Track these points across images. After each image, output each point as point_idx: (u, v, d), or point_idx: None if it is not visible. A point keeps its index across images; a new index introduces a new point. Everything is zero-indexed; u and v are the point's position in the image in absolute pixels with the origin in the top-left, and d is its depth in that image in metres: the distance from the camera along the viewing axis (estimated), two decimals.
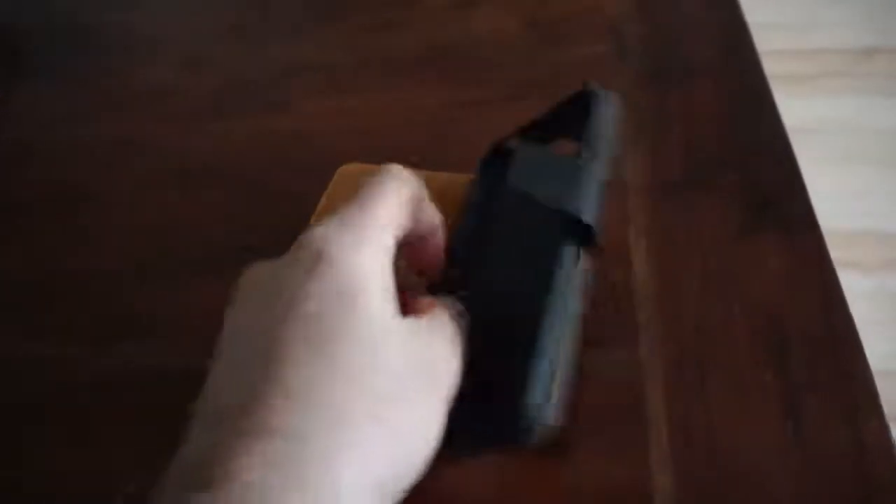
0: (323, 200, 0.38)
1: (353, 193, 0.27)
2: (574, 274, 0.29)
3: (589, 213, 0.30)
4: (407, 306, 0.26)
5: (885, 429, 0.30)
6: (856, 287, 0.96)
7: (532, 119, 0.35)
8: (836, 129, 1.15)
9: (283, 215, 0.36)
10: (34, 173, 0.49)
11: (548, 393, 0.26)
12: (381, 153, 0.35)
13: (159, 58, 0.56)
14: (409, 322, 0.25)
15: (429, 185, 0.30)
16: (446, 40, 0.52)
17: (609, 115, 0.34)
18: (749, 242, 0.37)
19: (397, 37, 0.53)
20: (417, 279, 0.31)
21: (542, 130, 0.35)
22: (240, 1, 0.61)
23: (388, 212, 0.26)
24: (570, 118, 0.34)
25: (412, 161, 0.30)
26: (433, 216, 0.29)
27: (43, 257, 0.44)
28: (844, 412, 0.31)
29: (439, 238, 0.30)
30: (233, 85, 0.52)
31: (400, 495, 0.23)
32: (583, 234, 0.30)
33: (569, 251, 0.30)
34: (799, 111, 1.16)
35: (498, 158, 0.35)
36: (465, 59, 0.50)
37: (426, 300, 0.27)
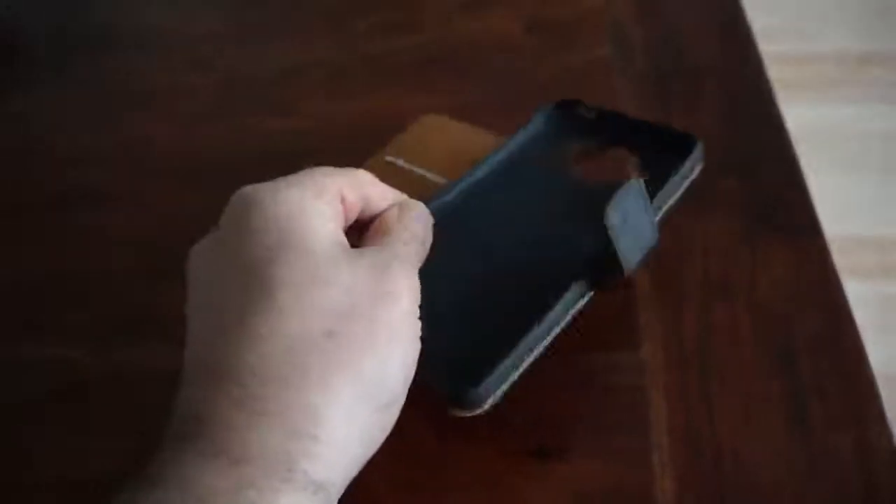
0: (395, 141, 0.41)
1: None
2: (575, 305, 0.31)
3: (631, 263, 0.31)
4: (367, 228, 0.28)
5: (888, 433, 0.30)
6: (855, 293, 0.96)
7: (625, 117, 0.36)
8: (834, 135, 1.16)
9: None
10: (36, 174, 0.49)
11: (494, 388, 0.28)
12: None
13: (162, 58, 0.56)
14: (361, 249, 0.26)
15: (456, 137, 0.34)
16: (450, 43, 0.52)
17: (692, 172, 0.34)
18: (753, 247, 0.37)
19: (400, 39, 0.53)
20: None
21: (617, 132, 0.36)
22: (242, 2, 0.61)
23: (325, 172, 0.28)
24: (652, 145, 0.35)
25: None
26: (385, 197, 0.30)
27: (45, 258, 0.43)
28: (848, 417, 0.31)
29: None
30: (236, 85, 0.52)
31: (390, 407, 0.24)
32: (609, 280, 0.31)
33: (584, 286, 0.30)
34: (797, 117, 1.16)
35: (557, 114, 0.37)
36: (468, 61, 0.50)
37: (388, 214, 0.29)
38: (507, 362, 0.28)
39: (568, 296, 0.30)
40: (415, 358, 0.25)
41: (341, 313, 0.24)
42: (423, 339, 0.26)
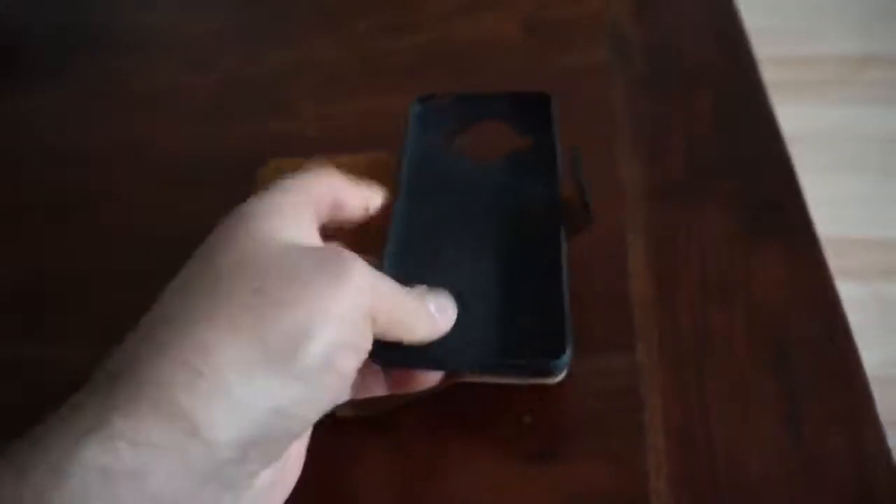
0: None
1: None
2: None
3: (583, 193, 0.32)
4: None
5: (881, 435, 0.30)
6: (852, 294, 0.96)
7: (478, 92, 0.39)
8: (833, 137, 1.16)
9: None
10: (35, 174, 0.49)
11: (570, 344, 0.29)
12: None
13: (162, 59, 0.56)
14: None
15: (352, 169, 0.32)
16: (449, 43, 0.52)
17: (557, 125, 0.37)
18: (747, 248, 0.37)
19: (399, 40, 0.53)
20: None
21: (482, 107, 0.38)
22: (242, 2, 0.61)
23: (314, 174, 0.29)
24: (518, 111, 0.38)
25: None
26: (361, 199, 0.31)
27: (45, 260, 0.44)
28: (842, 418, 0.31)
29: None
30: (236, 85, 0.53)
31: (305, 382, 0.23)
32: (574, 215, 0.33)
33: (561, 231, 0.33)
34: (796, 118, 1.16)
35: (429, 112, 0.39)
36: (466, 63, 0.50)
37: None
38: (566, 314, 0.29)
39: (562, 244, 0.32)
40: (350, 358, 0.25)
41: (276, 275, 0.24)
42: (472, 341, 0.28)
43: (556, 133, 0.37)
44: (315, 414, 0.25)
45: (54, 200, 0.47)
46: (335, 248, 0.26)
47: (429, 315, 0.28)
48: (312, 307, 0.23)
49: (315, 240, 0.27)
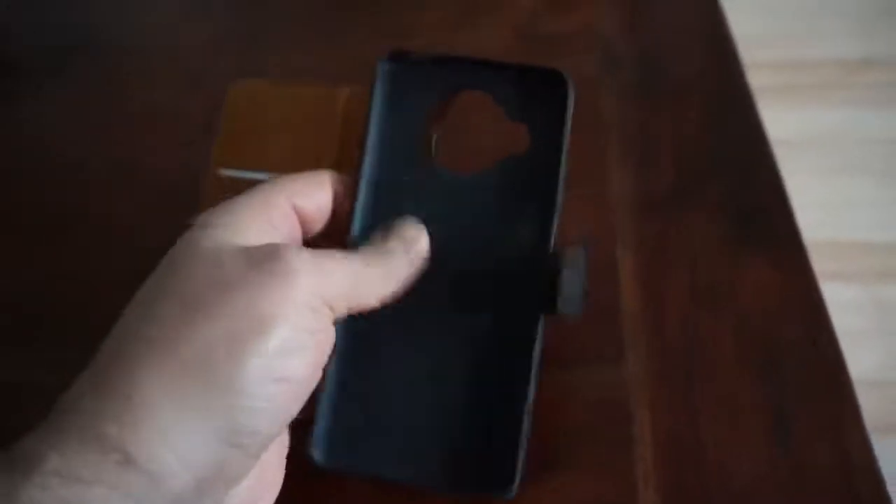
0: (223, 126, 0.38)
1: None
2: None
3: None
4: None
5: (867, 443, 0.30)
6: (847, 298, 0.96)
7: (466, 56, 0.30)
8: (831, 140, 1.16)
9: None
10: (29, 189, 0.50)
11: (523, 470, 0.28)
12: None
13: (158, 73, 0.57)
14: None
15: (297, 102, 0.31)
16: None
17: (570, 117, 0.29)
18: (735, 257, 0.37)
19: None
20: None
21: (469, 76, 0.30)
22: (238, 21, 0.62)
23: (274, 184, 0.27)
24: (515, 90, 0.29)
25: None
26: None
27: (39, 280, 0.44)
28: (829, 426, 0.31)
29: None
30: None
31: (246, 407, 0.22)
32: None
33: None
34: (793, 122, 1.17)
35: (401, 73, 0.30)
36: None
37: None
38: (522, 444, 0.28)
39: (539, 336, 0.28)
40: (305, 361, 0.23)
41: (205, 283, 0.22)
42: (417, 453, 0.27)
43: (567, 133, 0.29)
44: (272, 428, 0.23)
45: (48, 221, 0.47)
46: (273, 243, 0.24)
47: (399, 267, 0.26)
48: (244, 314, 0.22)
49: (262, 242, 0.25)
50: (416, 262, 0.27)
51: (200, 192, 0.36)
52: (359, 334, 0.28)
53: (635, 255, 0.38)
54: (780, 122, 1.13)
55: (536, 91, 0.29)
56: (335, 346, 0.25)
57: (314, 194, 0.27)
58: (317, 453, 0.28)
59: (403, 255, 0.27)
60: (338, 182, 0.28)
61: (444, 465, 0.28)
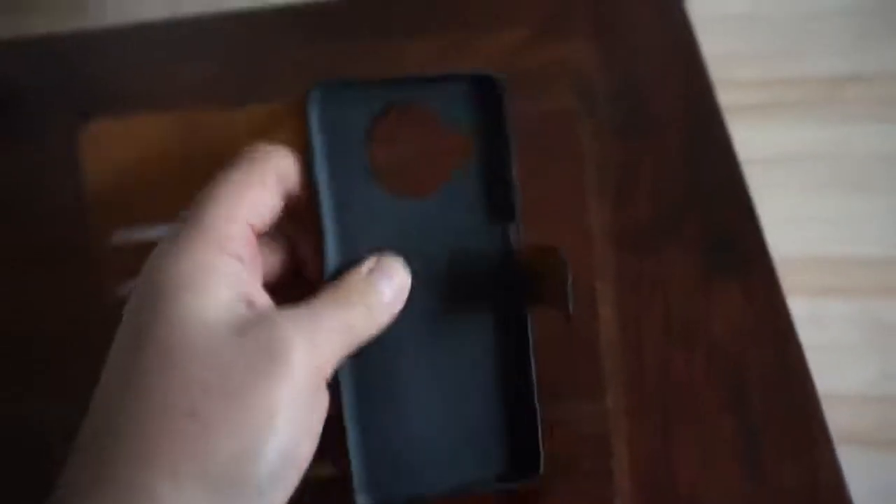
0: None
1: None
2: None
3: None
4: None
5: (836, 465, 0.31)
6: (843, 312, 0.97)
7: (396, 76, 0.30)
8: (817, 156, 1.17)
9: None
10: (19, 230, 0.50)
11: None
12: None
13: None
14: (258, 310, 0.24)
15: (190, 132, 0.29)
16: None
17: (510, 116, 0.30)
18: (709, 289, 0.38)
19: None
20: None
21: (403, 92, 0.30)
22: (224, 59, 0.63)
23: (225, 207, 0.25)
24: (450, 95, 0.30)
25: None
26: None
27: (26, 319, 0.44)
28: (800, 455, 0.32)
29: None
30: None
31: (261, 492, 0.22)
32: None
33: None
34: (778, 139, 1.18)
35: (334, 101, 0.30)
36: None
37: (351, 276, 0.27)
38: (538, 422, 0.30)
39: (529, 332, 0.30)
40: (309, 438, 0.24)
41: (205, 388, 0.22)
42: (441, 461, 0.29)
43: (511, 131, 0.30)
44: (287, 496, 0.24)
45: (38, 257, 0.48)
46: (266, 330, 0.24)
47: (382, 311, 0.27)
48: (254, 423, 0.22)
49: (238, 303, 0.24)
50: (401, 294, 0.28)
51: (92, 266, 0.34)
52: (364, 375, 0.29)
53: (614, 288, 0.39)
54: (763, 139, 1.15)
55: (472, 98, 0.30)
56: (346, 396, 0.28)
57: (261, 200, 0.26)
58: (362, 499, 0.29)
59: (387, 289, 0.27)
60: (281, 165, 0.27)
61: (480, 465, 0.30)
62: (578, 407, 0.35)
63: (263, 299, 0.25)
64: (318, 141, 0.29)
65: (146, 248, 0.26)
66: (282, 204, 0.27)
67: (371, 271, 0.27)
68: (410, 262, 0.29)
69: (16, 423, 0.40)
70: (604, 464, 0.33)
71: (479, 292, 0.30)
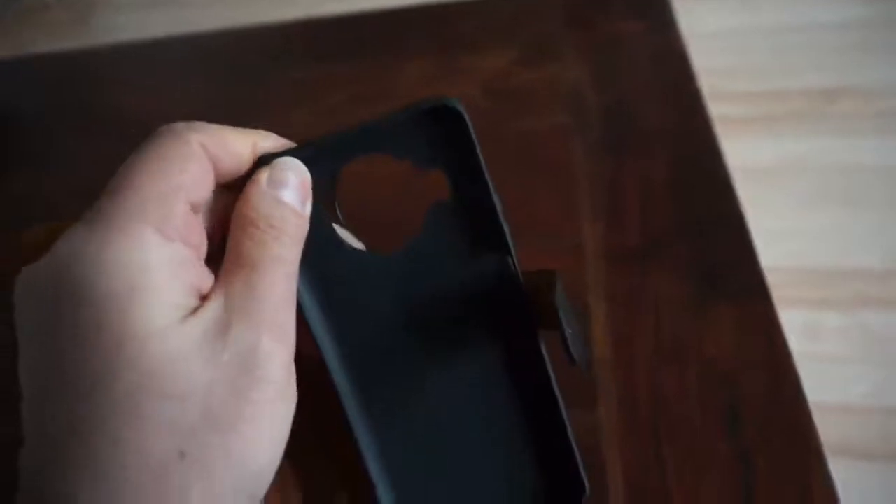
0: None
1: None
2: None
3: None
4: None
5: (831, 486, 0.31)
6: (835, 324, 0.97)
7: (358, 125, 0.27)
8: (806, 169, 1.18)
9: None
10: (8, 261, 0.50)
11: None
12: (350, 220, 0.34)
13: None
14: (211, 310, 0.21)
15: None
16: None
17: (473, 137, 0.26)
18: (702, 309, 0.38)
19: (371, 109, 0.55)
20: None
21: (366, 143, 0.27)
22: (219, 82, 0.64)
23: (152, 182, 0.21)
24: (410, 135, 0.26)
25: None
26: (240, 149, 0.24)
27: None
28: (794, 476, 0.32)
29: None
30: None
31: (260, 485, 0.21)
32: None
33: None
34: (770, 151, 1.19)
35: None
36: None
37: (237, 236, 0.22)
38: (574, 447, 0.28)
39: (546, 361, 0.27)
40: (286, 418, 0.22)
41: (193, 426, 0.19)
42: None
43: (479, 156, 0.26)
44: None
45: None
46: (232, 336, 0.20)
47: (291, 221, 0.23)
48: (243, 439, 0.20)
49: (190, 298, 0.21)
50: (304, 189, 0.25)
51: None
52: (386, 425, 0.27)
53: (607, 305, 0.39)
54: (752, 152, 1.16)
55: (433, 132, 0.26)
56: (377, 444, 0.27)
57: (199, 173, 0.22)
58: None
59: (288, 197, 0.24)
60: (206, 136, 0.23)
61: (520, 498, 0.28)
62: (572, 420, 0.35)
63: (209, 282, 0.22)
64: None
65: None
66: (214, 179, 0.23)
67: (264, 194, 0.23)
68: (412, 315, 0.27)
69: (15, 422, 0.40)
70: (598, 479, 0.32)
71: (489, 331, 0.27)
